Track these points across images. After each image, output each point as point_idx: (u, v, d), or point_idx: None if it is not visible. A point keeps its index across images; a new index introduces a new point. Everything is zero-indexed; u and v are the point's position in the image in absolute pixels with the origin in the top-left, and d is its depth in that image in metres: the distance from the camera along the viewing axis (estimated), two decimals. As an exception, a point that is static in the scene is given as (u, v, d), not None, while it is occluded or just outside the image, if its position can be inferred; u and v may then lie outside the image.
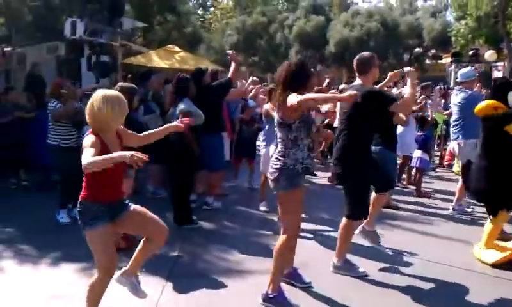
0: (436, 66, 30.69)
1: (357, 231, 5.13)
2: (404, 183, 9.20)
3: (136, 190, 6.98)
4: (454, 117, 7.43)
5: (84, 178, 3.46)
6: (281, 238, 4.12)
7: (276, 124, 4.16)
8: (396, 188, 8.64)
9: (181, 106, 6.13)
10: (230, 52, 7.49)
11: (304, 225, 5.71)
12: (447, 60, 26.57)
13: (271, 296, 4.02)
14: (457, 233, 6.31)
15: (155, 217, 3.74)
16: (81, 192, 3.48)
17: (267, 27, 35.37)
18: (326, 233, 6.08)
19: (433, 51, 30.95)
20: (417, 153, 8.38)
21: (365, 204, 4.82)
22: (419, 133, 8.68)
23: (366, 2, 47.24)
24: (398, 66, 33.22)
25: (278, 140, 4.12)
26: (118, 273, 3.71)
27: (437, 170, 11.25)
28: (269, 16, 36.15)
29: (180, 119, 4.00)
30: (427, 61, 32.54)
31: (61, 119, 6.23)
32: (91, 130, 3.44)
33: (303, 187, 4.12)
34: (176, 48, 15.83)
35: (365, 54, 5.02)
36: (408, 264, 5.17)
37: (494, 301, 4.35)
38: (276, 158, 4.07)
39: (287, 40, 33.60)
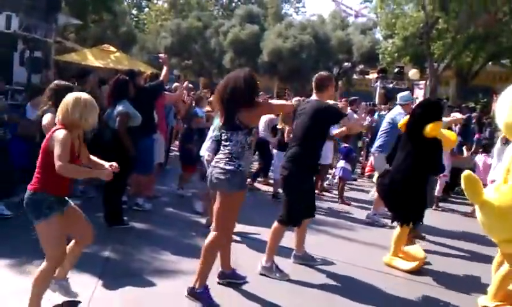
0: (363, 81, 32.03)
1: (291, 259, 5.56)
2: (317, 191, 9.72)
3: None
4: (381, 131, 7.98)
5: (37, 169, 3.63)
6: (212, 235, 4.30)
7: (223, 129, 4.35)
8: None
9: (119, 108, 6.21)
10: (161, 55, 7.68)
11: (238, 228, 6.00)
12: (373, 76, 27.78)
13: (197, 291, 4.20)
14: (373, 239, 6.81)
15: (84, 216, 3.97)
16: (32, 183, 3.62)
17: (202, 32, 35.42)
18: (258, 236, 6.37)
19: (361, 66, 32.22)
20: (340, 164, 8.91)
21: (299, 213, 5.17)
22: (343, 145, 9.20)
23: (300, 14, 48.61)
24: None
25: (232, 143, 4.22)
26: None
27: (358, 180, 11.87)
28: (204, 22, 36.20)
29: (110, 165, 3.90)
30: (355, 76, 33.82)
31: None
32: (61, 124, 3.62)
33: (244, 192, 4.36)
34: (112, 48, 15.69)
35: (324, 73, 5.50)
36: (328, 264, 5.57)
37: (406, 301, 4.81)
38: (228, 159, 4.20)
39: (221, 46, 33.79)
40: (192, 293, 4.23)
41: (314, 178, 5.61)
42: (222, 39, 33.62)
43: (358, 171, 12.93)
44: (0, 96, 6.47)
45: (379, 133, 8.01)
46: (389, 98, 19.58)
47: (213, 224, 4.41)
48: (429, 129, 5.32)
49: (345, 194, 9.32)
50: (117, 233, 6.06)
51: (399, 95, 8.09)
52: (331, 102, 5.58)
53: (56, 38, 11.30)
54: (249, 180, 9.64)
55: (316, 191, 9.47)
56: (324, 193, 9.64)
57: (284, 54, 29.42)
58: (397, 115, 7.57)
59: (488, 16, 20.89)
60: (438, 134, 5.38)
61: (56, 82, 5.54)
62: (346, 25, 35.35)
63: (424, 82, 22.32)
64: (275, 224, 5.19)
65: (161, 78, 7.43)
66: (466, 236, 7.40)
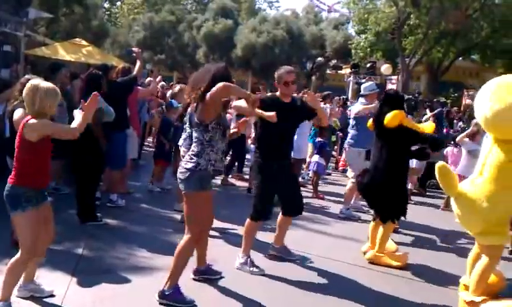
0: (337, 76, 32.24)
1: (269, 251, 5.58)
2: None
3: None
4: (350, 126, 8.08)
5: (15, 164, 3.71)
6: (185, 238, 4.26)
7: (190, 125, 4.37)
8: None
9: (91, 103, 6.13)
10: (135, 49, 7.59)
11: (215, 223, 6.00)
12: (346, 71, 28.00)
13: (166, 293, 4.15)
14: (348, 232, 6.88)
15: (52, 218, 4.05)
16: (12, 176, 3.71)
17: (176, 26, 35.19)
18: (235, 231, 6.37)
19: (334, 61, 32.44)
20: (315, 158, 8.97)
21: (264, 208, 5.15)
22: (317, 140, 9.26)
23: (273, 9, 48.66)
24: (301, 73, 34.53)
25: (194, 141, 4.26)
26: (16, 289, 3.92)
27: (332, 174, 11.96)
28: (177, 16, 35.97)
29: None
30: (328, 71, 34.04)
31: None
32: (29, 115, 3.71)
33: (210, 189, 4.30)
34: (83, 42, 15.45)
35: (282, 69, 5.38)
36: (303, 260, 5.59)
37: (383, 294, 4.86)
38: (190, 157, 4.19)
39: (194, 41, 33.64)
40: (162, 296, 4.16)
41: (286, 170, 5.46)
42: (195, 33, 33.46)
43: (333, 165, 13.01)
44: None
45: (349, 128, 8.12)
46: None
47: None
48: (387, 119, 5.39)
49: (320, 188, 9.38)
50: (90, 229, 5.98)
51: (362, 86, 8.17)
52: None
53: (26, 32, 11.04)
54: (223, 175, 9.64)
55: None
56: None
57: (258, 48, 29.46)
58: (359, 107, 7.73)
59: (459, 12, 21.26)
60: (401, 123, 5.42)
61: (26, 76, 5.45)
62: (320, 21, 35.55)
63: (396, 77, 22.59)
64: (247, 220, 5.21)
65: (134, 72, 7.34)
66: (438, 229, 7.51)
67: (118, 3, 49.33)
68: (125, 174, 7.76)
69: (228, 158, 9.69)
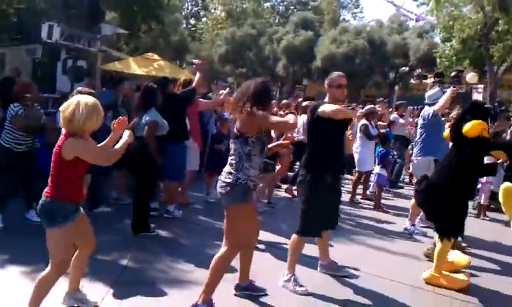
0: (421, 85, 31.07)
1: (318, 269, 5.35)
2: (360, 198, 9.40)
3: (97, 196, 7.05)
4: (417, 136, 7.66)
5: (52, 177, 3.66)
6: (222, 251, 4.16)
7: (232, 136, 4.26)
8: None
9: (147, 117, 6.19)
10: (195, 61, 7.60)
11: (264, 236, 5.91)
12: (431, 80, 26.92)
13: (198, 306, 4.04)
14: (410, 250, 6.43)
15: (90, 227, 3.99)
16: (49, 191, 3.65)
17: (257, 39, 35.56)
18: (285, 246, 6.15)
19: (419, 71, 31.32)
20: (376, 169, 8.58)
21: (315, 222, 4.87)
22: (379, 149, 8.86)
23: (357, 20, 48.00)
24: (384, 84, 33.66)
25: (232, 153, 4.16)
26: (64, 297, 3.99)
27: (406, 187, 11.41)
28: (258, 29, 36.35)
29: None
30: (412, 80, 32.91)
31: (19, 127, 6.11)
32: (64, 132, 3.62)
33: (251, 204, 4.19)
34: (155, 56, 15.89)
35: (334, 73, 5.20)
36: (355, 276, 5.27)
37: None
38: (228, 171, 4.11)
39: (275, 53, 33.82)
40: None
41: (338, 184, 5.20)
42: (276, 46, 33.64)
43: (407, 178, 12.43)
44: (36, 105, 6.51)
45: (416, 139, 7.71)
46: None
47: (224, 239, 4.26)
48: (467, 128, 4.98)
49: (388, 202, 8.95)
50: (141, 240, 6.01)
51: (427, 94, 7.73)
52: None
53: (101, 47, 11.50)
54: (286, 185, 9.46)
55: (359, 198, 9.29)
56: (367, 201, 9.27)
57: (337, 59, 29.08)
58: (426, 116, 7.34)
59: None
60: (481, 134, 4.98)
61: (78, 88, 5.57)
62: (404, 29, 34.56)
63: (482, 85, 21.35)
64: (293, 235, 4.98)
65: (193, 84, 7.35)
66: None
67: (204, 19, 50.85)
68: (185, 185, 7.78)
69: (297, 167, 9.51)
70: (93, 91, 5.82)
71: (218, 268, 4.14)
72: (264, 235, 6.46)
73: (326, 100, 5.03)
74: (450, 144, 5.52)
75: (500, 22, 21.13)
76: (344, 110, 4.73)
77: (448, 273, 5.23)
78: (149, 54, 16.61)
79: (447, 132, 5.71)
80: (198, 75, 7.34)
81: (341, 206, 8.27)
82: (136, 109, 6.55)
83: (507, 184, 3.97)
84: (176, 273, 5.10)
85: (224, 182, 4.10)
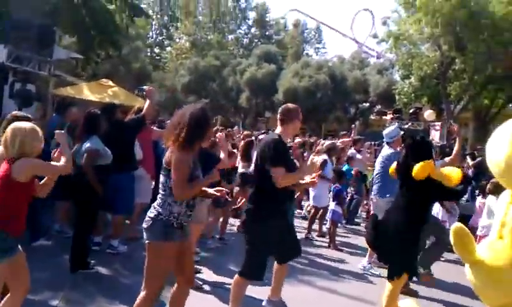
0: (381, 121, 31.46)
1: (264, 303, 5.02)
2: (316, 234, 9.18)
3: (38, 227, 6.58)
4: (375, 174, 7.50)
5: None
6: (141, 294, 3.84)
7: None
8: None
9: (87, 144, 5.84)
10: (146, 87, 7.26)
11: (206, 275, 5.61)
12: (390, 116, 27.27)
13: None
14: (361, 291, 6.18)
15: (27, 269, 3.71)
16: None
17: (220, 70, 35.54)
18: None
19: (378, 107, 31.77)
20: (331, 206, 8.40)
21: (260, 265, 4.57)
22: (334, 186, 8.70)
23: (320, 55, 48.64)
24: (344, 119, 33.97)
25: (160, 186, 3.88)
26: None
27: (362, 224, 11.23)
28: (222, 60, 36.37)
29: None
30: (372, 116, 33.34)
31: None
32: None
33: (176, 244, 3.80)
34: (110, 83, 15.51)
35: (290, 105, 4.98)
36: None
37: None
38: (154, 206, 3.84)
39: (238, 85, 33.81)
40: None
41: (286, 219, 4.91)
42: (239, 78, 33.67)
43: (364, 215, 12.28)
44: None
45: (374, 177, 7.53)
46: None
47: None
48: (416, 171, 4.75)
49: (343, 239, 8.74)
50: (77, 278, 5.57)
51: (385, 132, 7.58)
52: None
53: (54, 72, 11.07)
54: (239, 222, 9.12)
55: (315, 235, 9.04)
56: (322, 238, 9.04)
57: (299, 93, 29.21)
58: (386, 155, 7.17)
59: (507, 57, 20.35)
60: (430, 175, 4.77)
61: (13, 113, 5.19)
62: (365, 66, 35.14)
63: (440, 123, 21.70)
64: (236, 276, 4.67)
65: (143, 112, 7.00)
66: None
67: (168, 48, 50.66)
68: (134, 218, 7.40)
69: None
70: (28, 116, 5.46)
71: None
72: (209, 274, 6.16)
73: (279, 131, 4.76)
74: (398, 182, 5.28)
75: (456, 61, 21.64)
76: (292, 177, 4.60)
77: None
78: (104, 80, 16.20)
79: (392, 167, 5.51)
80: (147, 102, 6.99)
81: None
82: (78, 135, 6.18)
83: (457, 225, 3.75)
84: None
85: (148, 216, 3.84)
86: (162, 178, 3.84)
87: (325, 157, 9.12)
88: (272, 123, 35.67)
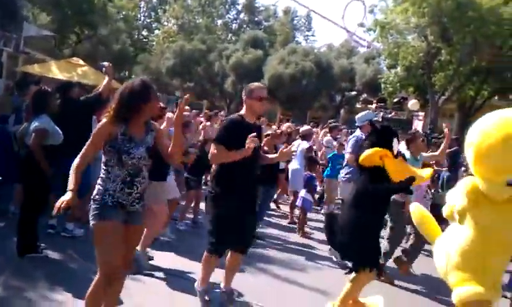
0: (366, 109, 31.32)
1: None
2: (288, 221, 9.08)
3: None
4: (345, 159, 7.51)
5: None
6: (96, 277, 3.60)
7: None
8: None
9: (35, 123, 5.52)
10: (105, 64, 6.85)
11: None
12: (375, 105, 27.16)
13: None
14: (326, 283, 5.95)
15: None
16: None
17: (206, 55, 35.15)
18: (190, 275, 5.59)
19: (364, 95, 31.62)
20: (301, 193, 8.22)
21: (220, 240, 4.51)
22: (305, 173, 8.52)
23: (309, 43, 48.31)
24: (330, 106, 33.79)
25: None
26: None
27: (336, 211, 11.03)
28: (208, 45, 35.96)
29: None
30: (358, 105, 33.19)
31: None
32: None
33: (114, 223, 3.53)
34: (80, 62, 15.03)
35: (254, 84, 4.84)
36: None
37: None
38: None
39: (224, 70, 33.45)
40: None
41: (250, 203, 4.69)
42: (225, 62, 33.30)
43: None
44: None
45: (345, 162, 7.45)
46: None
47: None
48: (362, 157, 4.55)
49: (315, 224, 8.61)
50: (22, 263, 5.30)
51: (357, 116, 7.52)
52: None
53: (23, 49, 10.70)
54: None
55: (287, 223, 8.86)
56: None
57: (285, 79, 28.93)
58: (355, 138, 7.03)
59: (492, 49, 20.24)
60: (376, 163, 4.50)
61: None
62: (353, 55, 34.93)
63: (423, 113, 21.58)
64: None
65: (100, 89, 6.64)
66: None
67: (156, 31, 50.15)
68: (88, 201, 7.11)
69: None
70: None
71: (90, 299, 3.60)
72: (171, 260, 5.96)
73: (243, 112, 4.62)
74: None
75: (442, 51, 21.48)
76: (227, 156, 4.42)
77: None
78: (74, 58, 15.69)
79: (364, 155, 5.25)
80: (106, 79, 6.65)
81: (263, 231, 7.96)
82: (27, 114, 5.88)
83: (415, 205, 3.68)
84: (49, 304, 4.45)
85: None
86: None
87: (307, 143, 9.04)
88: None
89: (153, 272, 5.46)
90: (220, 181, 4.54)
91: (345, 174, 7.44)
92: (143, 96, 3.60)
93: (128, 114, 3.57)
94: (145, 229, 4.84)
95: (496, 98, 25.49)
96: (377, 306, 4.92)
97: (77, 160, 3.57)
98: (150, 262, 5.65)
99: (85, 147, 3.62)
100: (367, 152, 4.52)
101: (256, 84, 4.83)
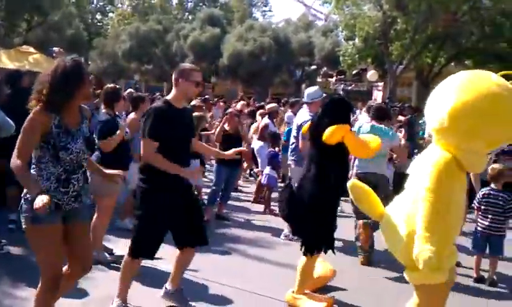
0: (327, 83, 31.45)
1: (161, 293, 4.40)
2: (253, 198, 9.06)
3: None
4: (292, 138, 6.92)
5: None
6: (40, 285, 3.34)
7: None
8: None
9: (-18, 114, 5.30)
10: (55, 49, 6.64)
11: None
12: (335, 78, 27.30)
13: None
14: (295, 258, 5.91)
15: None
16: None
17: (163, 35, 34.57)
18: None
19: (324, 69, 31.71)
20: (266, 170, 8.17)
21: (148, 242, 4.07)
22: (268, 150, 8.47)
23: (267, 18, 48.04)
24: (291, 82, 33.80)
25: None
26: None
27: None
28: (164, 25, 35.36)
29: None
30: (319, 79, 33.29)
31: None
32: None
33: (48, 227, 3.17)
34: (31, 49, 14.50)
35: (185, 64, 4.51)
36: (218, 297, 4.71)
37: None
38: None
39: (182, 50, 32.96)
40: None
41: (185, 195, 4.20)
42: (183, 42, 32.82)
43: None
44: None
45: (291, 141, 6.96)
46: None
47: None
48: (327, 135, 4.31)
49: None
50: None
51: (306, 92, 6.90)
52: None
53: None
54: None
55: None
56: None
57: (244, 56, 28.75)
58: (304, 117, 6.51)
59: (447, 15, 20.50)
60: (340, 140, 4.35)
61: None
62: (310, 28, 34.91)
63: (382, 83, 21.82)
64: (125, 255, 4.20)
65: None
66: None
67: (110, 14, 49.03)
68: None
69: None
70: None
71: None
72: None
73: (170, 96, 4.15)
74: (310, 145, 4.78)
75: (398, 20, 21.66)
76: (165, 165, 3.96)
77: (311, 293, 4.70)
78: (24, 46, 15.18)
79: (305, 127, 5.15)
80: None
81: (228, 211, 7.92)
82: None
83: (353, 181, 3.61)
84: (12, 301, 4.31)
85: None
86: None
87: (267, 120, 9.01)
88: (218, 89, 35.23)
89: (116, 263, 5.33)
90: (149, 175, 4.03)
91: (292, 157, 6.85)
92: (78, 79, 3.21)
93: (63, 101, 3.18)
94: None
95: (452, 64, 25.92)
96: (328, 269, 4.95)
97: (18, 163, 3.05)
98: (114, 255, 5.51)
99: (20, 146, 3.11)
100: (331, 129, 4.32)
101: (191, 65, 4.40)
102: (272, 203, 8.21)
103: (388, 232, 3.44)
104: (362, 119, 9.00)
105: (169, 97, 4.17)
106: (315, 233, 4.49)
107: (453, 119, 3.01)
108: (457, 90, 3.06)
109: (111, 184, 4.49)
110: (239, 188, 9.97)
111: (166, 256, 4.68)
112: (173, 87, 4.14)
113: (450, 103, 3.02)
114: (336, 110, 4.55)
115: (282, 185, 10.08)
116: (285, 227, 6.75)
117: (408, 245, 3.13)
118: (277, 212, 8.02)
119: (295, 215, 4.60)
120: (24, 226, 3.24)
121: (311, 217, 4.45)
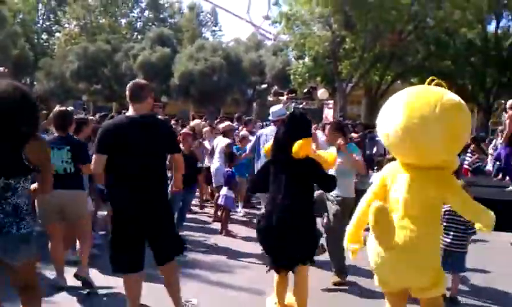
0: (278, 102, 31.61)
1: None
2: (212, 220, 8.90)
3: None
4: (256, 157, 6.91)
5: None
6: None
7: None
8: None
9: None
10: (1, 69, 6.40)
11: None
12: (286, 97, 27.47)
13: None
14: (257, 282, 5.82)
15: None
16: None
17: (112, 55, 34.05)
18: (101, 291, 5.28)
19: (275, 88, 31.92)
20: (223, 191, 8.01)
21: (120, 256, 4.09)
22: (225, 170, 8.35)
23: (217, 38, 48.13)
24: (242, 101, 33.90)
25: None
26: None
27: (259, 206, 10.99)
28: (113, 45, 34.86)
29: None
30: (270, 98, 33.47)
31: None
32: None
33: None
34: (-26, 70, 14.07)
35: (140, 81, 4.50)
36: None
37: None
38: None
39: (131, 70, 32.52)
40: None
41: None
42: (132, 62, 32.41)
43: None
44: None
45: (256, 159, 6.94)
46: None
47: None
48: (296, 149, 4.28)
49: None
50: None
51: (271, 110, 6.94)
52: None
53: None
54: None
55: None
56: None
57: (195, 76, 28.63)
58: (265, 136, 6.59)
59: (393, 35, 21.10)
60: (310, 153, 4.42)
61: None
62: (260, 48, 35.20)
63: (332, 101, 22.16)
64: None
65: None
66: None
67: (57, 34, 47.88)
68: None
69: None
70: None
71: None
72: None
73: (131, 112, 4.20)
74: (276, 166, 4.67)
75: (347, 40, 22.13)
76: None
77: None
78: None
79: (267, 146, 5.11)
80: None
81: (185, 234, 7.72)
82: None
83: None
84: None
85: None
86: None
87: (227, 140, 8.92)
88: (169, 109, 34.87)
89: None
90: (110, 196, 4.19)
91: None
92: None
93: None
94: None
95: (398, 82, 26.66)
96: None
97: None
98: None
99: None
100: (299, 143, 4.31)
101: (144, 81, 4.54)
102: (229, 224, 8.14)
103: (401, 265, 3.43)
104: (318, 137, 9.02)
105: (130, 113, 4.20)
106: (304, 248, 4.48)
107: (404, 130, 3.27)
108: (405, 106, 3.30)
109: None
110: (195, 210, 9.81)
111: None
112: (131, 105, 4.18)
113: (400, 118, 3.27)
114: (300, 124, 4.53)
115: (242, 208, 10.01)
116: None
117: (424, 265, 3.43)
118: (233, 233, 7.96)
119: (281, 235, 4.41)
120: None
121: (301, 235, 4.39)
